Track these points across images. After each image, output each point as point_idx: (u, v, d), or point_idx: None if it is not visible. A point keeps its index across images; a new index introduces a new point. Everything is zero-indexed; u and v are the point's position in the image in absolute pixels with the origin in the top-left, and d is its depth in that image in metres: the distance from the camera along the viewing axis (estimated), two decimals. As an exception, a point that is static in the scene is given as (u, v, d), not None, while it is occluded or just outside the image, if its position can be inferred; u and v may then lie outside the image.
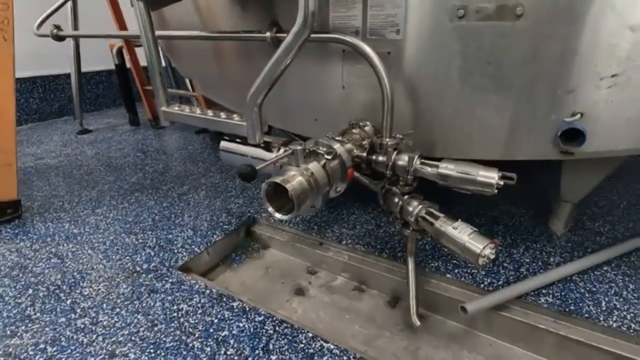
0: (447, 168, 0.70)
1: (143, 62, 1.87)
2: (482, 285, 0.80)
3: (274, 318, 0.72)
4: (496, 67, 0.70)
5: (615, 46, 0.62)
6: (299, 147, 0.67)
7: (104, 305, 0.76)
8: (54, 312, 0.75)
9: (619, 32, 0.61)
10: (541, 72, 0.68)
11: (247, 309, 0.75)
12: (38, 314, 0.75)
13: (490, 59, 0.70)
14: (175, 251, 0.95)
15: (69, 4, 1.75)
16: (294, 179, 0.65)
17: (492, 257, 0.63)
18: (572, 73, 0.66)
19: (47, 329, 0.71)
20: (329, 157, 0.70)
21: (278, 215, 0.68)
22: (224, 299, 0.78)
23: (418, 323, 0.76)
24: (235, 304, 0.76)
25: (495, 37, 0.68)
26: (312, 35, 0.67)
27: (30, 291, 0.81)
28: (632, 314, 0.70)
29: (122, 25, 1.87)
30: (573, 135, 0.69)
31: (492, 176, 0.67)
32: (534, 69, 0.68)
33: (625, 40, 0.61)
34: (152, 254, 0.94)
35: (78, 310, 0.75)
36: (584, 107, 0.67)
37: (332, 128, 0.89)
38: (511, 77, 0.70)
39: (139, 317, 0.73)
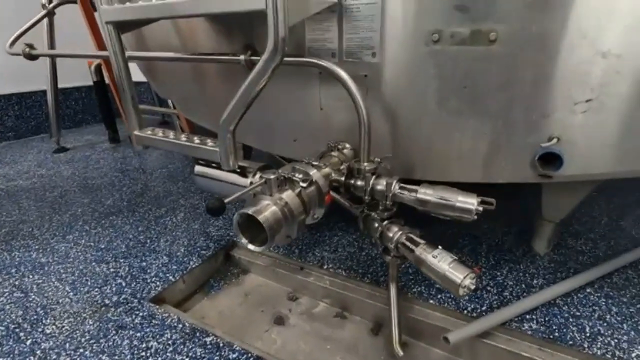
0: (426, 193, 0.69)
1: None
2: (465, 311, 0.78)
3: (250, 354, 0.69)
4: (472, 91, 0.70)
5: (588, 72, 0.62)
6: (272, 176, 0.65)
7: (67, 345, 0.71)
8: (10, 356, 0.69)
9: (592, 59, 0.61)
10: (516, 97, 0.67)
11: (221, 344, 0.71)
12: (-7, 358, 0.69)
13: (466, 83, 0.70)
14: (149, 280, 0.90)
15: (45, 21, 1.71)
16: (267, 209, 0.62)
17: (473, 287, 0.61)
18: (547, 98, 0.66)
19: (2, 374, 0.66)
20: (304, 185, 0.68)
21: (252, 247, 0.65)
22: (197, 333, 0.74)
23: (401, 353, 0.73)
24: (208, 340, 0.72)
25: (470, 61, 0.68)
26: (286, 59, 0.65)
27: (-12, 331, 0.76)
28: (615, 340, 0.69)
29: (99, 42, 1.83)
30: (551, 159, 0.68)
31: (470, 202, 0.65)
32: (509, 93, 0.68)
33: (598, 67, 0.61)
34: (124, 284, 0.89)
35: (38, 352, 0.70)
36: (560, 132, 0.67)
37: (312, 149, 0.87)
38: (487, 101, 0.70)
39: (103, 358, 0.68)
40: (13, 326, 0.77)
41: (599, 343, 0.69)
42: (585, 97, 0.64)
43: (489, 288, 0.84)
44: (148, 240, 1.08)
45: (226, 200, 0.58)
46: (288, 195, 0.65)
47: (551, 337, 0.70)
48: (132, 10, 0.75)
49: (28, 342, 0.72)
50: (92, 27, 1.78)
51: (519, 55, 0.65)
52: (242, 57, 0.82)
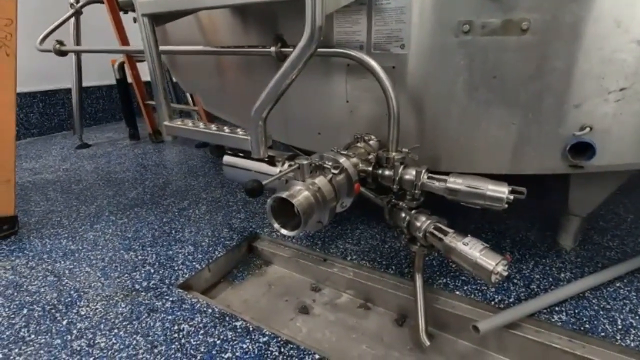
0: (456, 182, 0.69)
1: (144, 77, 1.88)
2: (492, 303, 0.78)
3: (279, 338, 0.70)
4: (502, 81, 0.70)
5: (623, 61, 0.62)
6: (305, 162, 0.66)
7: (102, 326, 0.73)
8: (49, 334, 0.72)
9: (626, 47, 0.61)
10: (548, 86, 0.68)
11: (251, 329, 0.72)
12: (32, 336, 0.71)
13: (496, 73, 0.70)
14: (176, 268, 0.92)
15: (72, 20, 1.77)
16: (300, 194, 0.64)
17: (505, 274, 0.61)
18: (579, 87, 0.66)
19: (42, 351, 0.68)
20: (336, 172, 0.69)
21: (284, 232, 0.66)
22: (227, 318, 0.75)
23: (427, 342, 0.73)
24: (238, 324, 0.73)
25: (501, 51, 0.68)
26: (319, 50, 0.67)
27: (25, 311, 0.78)
28: (649, 333, 0.68)
29: (124, 40, 1.89)
30: (582, 149, 0.68)
31: (502, 190, 0.66)
32: (540, 83, 0.68)
33: (632, 55, 0.61)
34: (152, 271, 0.91)
35: (74, 332, 0.72)
36: (593, 121, 0.67)
37: (336, 142, 0.88)
38: (517, 91, 0.70)
39: (138, 338, 0.70)
40: (49, 307, 0.79)
41: (632, 335, 0.68)
42: (619, 86, 0.63)
43: (515, 281, 0.84)
44: (173, 231, 1.10)
45: (264, 182, 0.59)
46: (320, 180, 0.67)
47: (582, 329, 0.70)
48: (169, 3, 0.77)
49: (64, 322, 0.75)
50: (117, 25, 1.83)
51: (551, 44, 0.65)
52: (272, 48, 0.84)
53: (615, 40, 0.61)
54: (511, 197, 0.65)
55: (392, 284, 0.87)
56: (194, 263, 0.94)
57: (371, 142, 0.85)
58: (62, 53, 1.43)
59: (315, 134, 0.99)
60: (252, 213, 1.20)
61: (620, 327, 0.70)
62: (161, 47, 0.92)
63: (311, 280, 0.97)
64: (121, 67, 2.05)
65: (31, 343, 0.70)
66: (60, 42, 1.42)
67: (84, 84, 2.08)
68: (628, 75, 0.62)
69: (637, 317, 0.72)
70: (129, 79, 2.07)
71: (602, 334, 0.68)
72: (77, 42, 1.84)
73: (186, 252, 0.99)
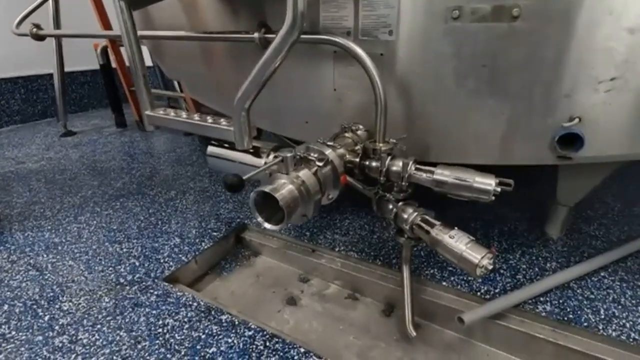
0: (443, 174, 0.68)
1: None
2: (478, 293, 0.78)
3: (265, 332, 0.69)
4: (492, 70, 0.68)
5: (613, 49, 0.60)
6: (288, 155, 0.64)
7: (84, 322, 0.72)
8: (30, 330, 0.70)
9: (617, 35, 0.59)
10: (537, 75, 0.66)
11: (237, 322, 0.71)
12: (13, 332, 0.70)
13: (486, 61, 0.68)
14: (162, 261, 0.91)
15: (50, 2, 1.69)
16: (284, 188, 0.62)
17: (490, 267, 0.60)
18: (569, 76, 0.64)
19: (23, 348, 0.67)
20: (321, 164, 0.68)
21: (268, 225, 0.65)
22: (212, 312, 0.74)
23: (414, 333, 0.74)
24: (224, 318, 0.73)
25: (491, 39, 0.66)
26: (302, 37, 0.64)
27: (6, 307, 0.77)
28: (631, 322, 0.69)
29: (106, 24, 1.81)
30: (571, 140, 0.67)
31: (488, 182, 0.65)
32: (530, 72, 0.66)
33: (623, 44, 0.59)
34: (137, 264, 0.90)
35: (56, 328, 0.71)
36: (582, 111, 0.65)
37: (324, 131, 0.86)
38: (507, 80, 0.68)
39: (121, 333, 0.69)
40: (30, 303, 0.78)
41: (614, 325, 0.69)
42: (609, 76, 0.62)
43: (502, 271, 0.84)
44: (159, 222, 1.09)
45: (245, 177, 0.57)
46: (305, 174, 0.65)
47: (565, 319, 0.70)
48: (145, -15, 0.73)
49: (46, 318, 0.73)
50: (98, 8, 1.76)
51: (542, 31, 0.63)
52: (255, 34, 0.80)
53: (607, 27, 0.60)
54: (498, 189, 0.64)
55: (380, 275, 0.87)
56: (180, 255, 0.93)
57: (359, 132, 0.83)
58: (40, 37, 1.37)
59: (303, 123, 0.97)
60: (240, 203, 1.19)
61: (603, 316, 0.71)
62: (142, 33, 0.88)
63: (299, 271, 0.97)
64: (104, 51, 1.98)
65: (12, 340, 0.68)
66: (37, 26, 1.36)
67: (68, 69, 2.00)
68: (618, 65, 0.61)
69: (620, 307, 0.73)
70: (113, 64, 2.00)
71: (585, 323, 0.69)
72: (57, 26, 1.76)
73: (172, 244, 0.98)
